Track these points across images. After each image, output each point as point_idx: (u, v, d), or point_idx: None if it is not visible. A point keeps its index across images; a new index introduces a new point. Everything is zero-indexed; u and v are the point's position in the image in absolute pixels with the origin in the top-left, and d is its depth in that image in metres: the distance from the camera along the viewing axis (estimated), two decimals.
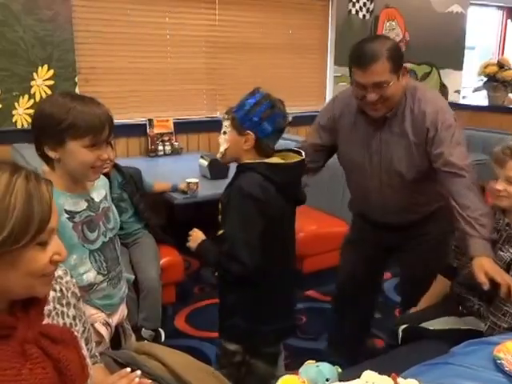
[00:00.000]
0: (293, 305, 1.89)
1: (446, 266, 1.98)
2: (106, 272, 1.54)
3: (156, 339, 2.69)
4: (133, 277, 2.58)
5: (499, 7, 6.31)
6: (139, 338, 2.58)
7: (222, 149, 1.72)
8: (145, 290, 2.65)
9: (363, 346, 2.47)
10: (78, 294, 1.13)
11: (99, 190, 1.57)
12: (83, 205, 1.49)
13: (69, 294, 1.08)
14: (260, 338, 1.75)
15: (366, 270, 2.25)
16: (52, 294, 1.02)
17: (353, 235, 2.32)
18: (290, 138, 3.70)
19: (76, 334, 1.05)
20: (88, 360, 1.07)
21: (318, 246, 3.28)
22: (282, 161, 1.68)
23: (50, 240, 0.91)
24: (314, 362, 1.45)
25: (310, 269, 3.28)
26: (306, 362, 1.45)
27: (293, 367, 1.71)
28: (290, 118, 1.71)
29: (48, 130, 1.38)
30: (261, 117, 1.64)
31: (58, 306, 1.04)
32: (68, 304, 1.07)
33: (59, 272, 1.07)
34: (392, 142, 1.90)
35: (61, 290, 1.06)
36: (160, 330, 2.73)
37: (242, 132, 1.66)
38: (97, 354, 1.26)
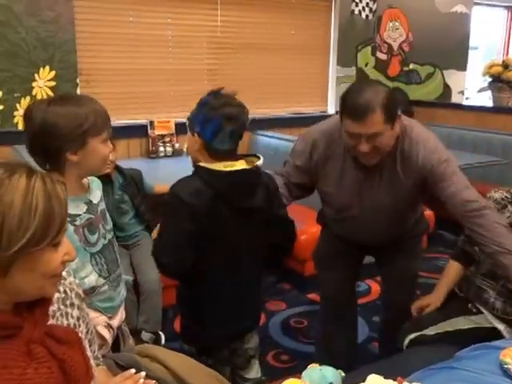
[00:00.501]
0: (248, 309, 1.81)
1: (458, 249, 2.04)
2: (106, 274, 1.53)
3: (156, 342, 2.67)
4: (131, 278, 2.56)
5: (505, 7, 6.28)
6: (139, 340, 2.57)
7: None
8: (145, 292, 2.64)
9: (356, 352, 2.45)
10: (82, 295, 1.13)
11: (95, 192, 1.57)
12: (83, 207, 1.49)
13: (72, 295, 1.09)
14: (208, 340, 1.73)
15: (347, 284, 2.29)
16: (56, 294, 1.02)
17: (326, 249, 2.29)
18: (289, 139, 3.67)
19: (80, 334, 1.05)
20: (92, 361, 1.07)
21: None
22: (223, 168, 1.57)
23: (62, 240, 0.92)
24: (318, 365, 1.44)
25: (312, 272, 3.24)
26: (309, 366, 1.43)
27: (294, 371, 1.69)
28: (247, 122, 1.62)
29: (69, 137, 1.38)
30: (205, 118, 1.56)
31: (62, 307, 1.04)
32: (72, 305, 1.08)
33: (63, 273, 1.06)
34: (384, 186, 1.88)
35: (64, 291, 1.07)
36: (160, 332, 2.72)
37: (192, 132, 1.62)
38: (99, 355, 1.26)
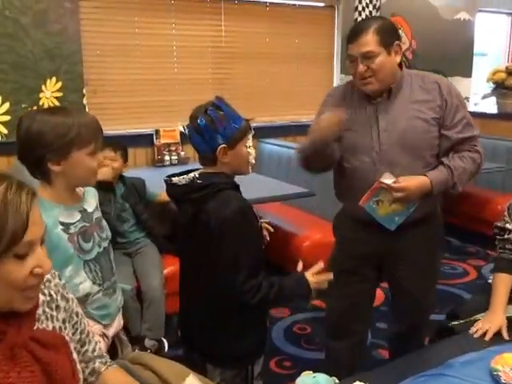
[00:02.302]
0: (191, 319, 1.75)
1: (502, 261, 1.86)
2: (101, 282, 1.55)
3: (159, 349, 2.68)
4: (129, 287, 2.57)
5: (508, 14, 6.27)
6: (142, 347, 2.59)
7: None
8: (148, 299, 2.65)
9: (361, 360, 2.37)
10: (68, 296, 1.11)
11: (90, 201, 1.58)
12: (77, 216, 1.50)
13: (58, 297, 1.08)
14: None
15: (366, 299, 2.19)
16: (41, 297, 1.02)
17: (343, 261, 2.15)
18: (294, 147, 3.69)
19: (66, 337, 1.05)
20: (79, 365, 1.07)
21: (323, 254, 3.24)
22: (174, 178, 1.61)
23: (31, 252, 0.89)
24: (311, 372, 1.46)
25: None
26: (303, 373, 1.45)
27: (296, 378, 1.71)
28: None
29: (52, 146, 1.38)
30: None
31: (47, 310, 1.04)
32: (58, 307, 1.07)
33: (47, 276, 1.06)
34: (401, 116, 1.88)
35: (49, 293, 1.06)
36: (163, 339, 2.73)
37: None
38: (105, 353, 1.25)
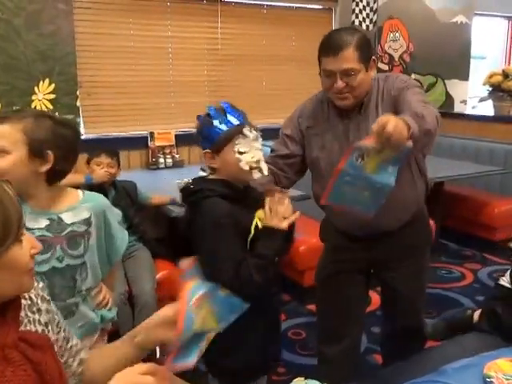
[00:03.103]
0: None
1: None
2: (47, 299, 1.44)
3: (151, 355, 2.64)
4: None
5: (505, 17, 6.27)
6: None
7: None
8: (140, 304, 2.61)
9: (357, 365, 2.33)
10: (47, 297, 1.11)
11: (80, 213, 1.49)
12: (42, 223, 1.42)
13: (38, 301, 1.07)
14: None
15: (357, 303, 2.15)
16: (23, 301, 1.01)
17: (331, 266, 2.15)
18: None
19: (52, 338, 1.05)
20: (63, 366, 1.07)
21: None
22: None
23: (23, 236, 0.94)
24: (303, 379, 1.43)
25: (311, 282, 3.22)
26: (294, 380, 1.42)
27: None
28: None
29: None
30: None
31: (29, 314, 1.04)
32: (39, 310, 1.07)
33: None
34: (370, 126, 1.82)
35: (30, 297, 1.05)
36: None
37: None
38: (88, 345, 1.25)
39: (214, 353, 1.49)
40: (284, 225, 1.45)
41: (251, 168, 1.49)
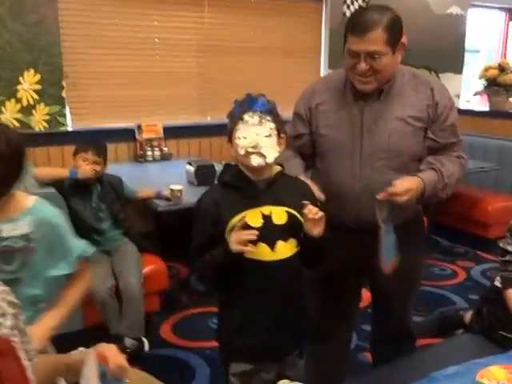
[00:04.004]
0: None
1: (504, 279, 1.97)
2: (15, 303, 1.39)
3: (139, 349, 2.62)
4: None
5: (501, 8, 6.21)
6: (122, 347, 2.50)
7: (276, 153, 1.54)
8: (126, 297, 2.59)
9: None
10: (15, 301, 1.06)
11: (19, 227, 1.42)
12: None
13: (4, 305, 1.03)
14: None
15: (347, 303, 2.12)
16: None
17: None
18: None
19: (15, 344, 1.00)
20: (29, 372, 1.02)
21: None
22: None
23: None
24: (289, 381, 1.42)
25: None
26: (279, 382, 1.41)
27: None
28: None
29: None
30: None
31: None
32: (3, 315, 1.02)
33: None
34: (388, 118, 1.75)
35: None
36: (143, 339, 2.66)
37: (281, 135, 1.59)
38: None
39: (227, 335, 1.64)
40: (233, 247, 1.46)
41: (247, 153, 1.49)
